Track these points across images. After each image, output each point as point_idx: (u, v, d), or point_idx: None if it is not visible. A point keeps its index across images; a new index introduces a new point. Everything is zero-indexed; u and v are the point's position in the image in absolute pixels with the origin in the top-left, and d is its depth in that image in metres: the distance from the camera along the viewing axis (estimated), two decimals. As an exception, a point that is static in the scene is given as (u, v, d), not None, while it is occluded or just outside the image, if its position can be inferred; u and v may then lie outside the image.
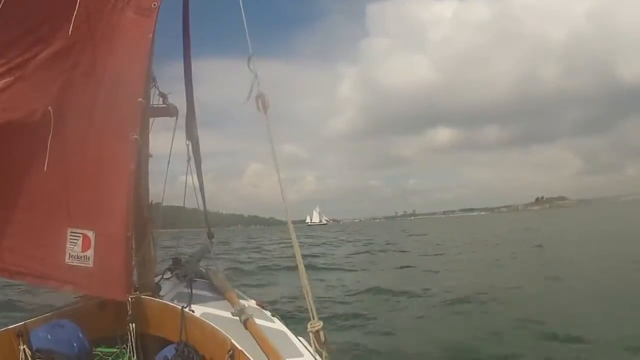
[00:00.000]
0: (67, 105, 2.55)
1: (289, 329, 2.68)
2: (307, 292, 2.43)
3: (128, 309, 2.58)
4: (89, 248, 2.59)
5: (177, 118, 3.02)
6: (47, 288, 2.68)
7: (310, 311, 2.41)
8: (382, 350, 5.98)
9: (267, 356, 2.31)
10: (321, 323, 2.40)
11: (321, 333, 2.40)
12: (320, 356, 2.38)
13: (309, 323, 2.43)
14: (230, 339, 2.34)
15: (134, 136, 2.51)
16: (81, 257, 2.59)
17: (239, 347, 2.28)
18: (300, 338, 2.52)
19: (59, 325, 2.49)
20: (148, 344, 2.70)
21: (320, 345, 2.40)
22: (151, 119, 2.81)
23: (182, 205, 3.43)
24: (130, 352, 2.59)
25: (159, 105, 2.95)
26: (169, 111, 2.98)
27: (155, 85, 2.87)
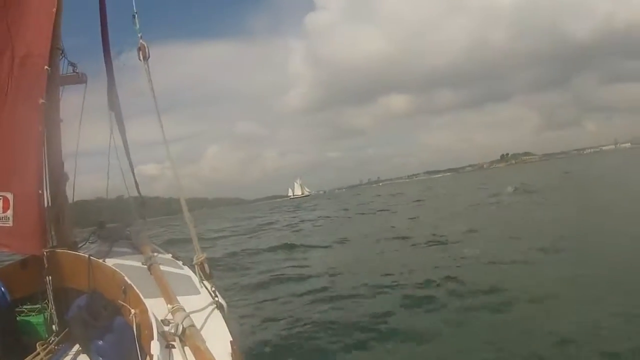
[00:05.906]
0: None
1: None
2: (191, 230, 2.58)
3: (44, 263, 2.75)
4: (8, 209, 2.80)
5: (86, 84, 3.24)
6: None
7: (195, 246, 2.55)
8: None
9: (159, 289, 2.42)
10: (204, 255, 2.53)
11: (205, 265, 2.52)
12: (206, 286, 2.48)
13: (195, 256, 2.55)
14: (123, 276, 2.46)
15: (41, 101, 2.74)
16: (2, 217, 2.80)
17: (129, 282, 2.40)
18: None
19: None
20: (67, 297, 2.85)
21: (205, 276, 2.52)
22: (61, 87, 3.04)
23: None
24: (50, 306, 2.75)
25: (68, 74, 3.18)
26: (78, 78, 3.20)
27: (64, 55, 3.11)
